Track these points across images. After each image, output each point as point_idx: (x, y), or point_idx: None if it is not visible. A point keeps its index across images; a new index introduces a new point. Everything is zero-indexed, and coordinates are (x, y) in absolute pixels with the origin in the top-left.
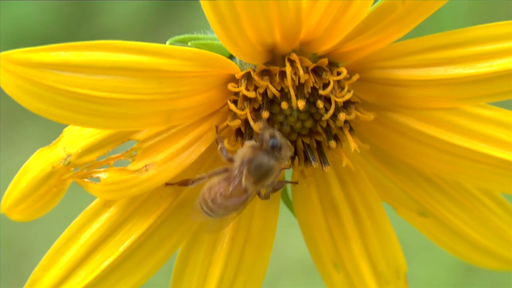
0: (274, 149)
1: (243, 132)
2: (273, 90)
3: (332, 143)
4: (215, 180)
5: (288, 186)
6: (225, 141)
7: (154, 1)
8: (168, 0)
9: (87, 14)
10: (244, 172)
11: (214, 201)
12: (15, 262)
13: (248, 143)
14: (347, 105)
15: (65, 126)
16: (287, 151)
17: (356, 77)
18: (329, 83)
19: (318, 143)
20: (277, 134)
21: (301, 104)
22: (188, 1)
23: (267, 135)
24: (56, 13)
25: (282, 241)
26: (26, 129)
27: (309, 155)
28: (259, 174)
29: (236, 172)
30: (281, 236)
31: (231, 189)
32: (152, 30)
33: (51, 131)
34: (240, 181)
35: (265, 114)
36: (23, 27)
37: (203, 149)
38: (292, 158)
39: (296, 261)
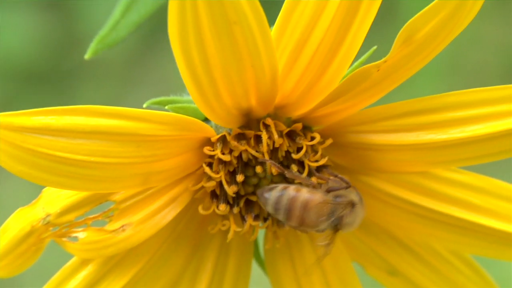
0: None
1: (218, 195)
2: (249, 155)
3: None
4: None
5: (261, 245)
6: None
7: (138, 31)
8: (153, 30)
9: (72, 46)
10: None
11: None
12: None
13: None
14: (320, 168)
15: None
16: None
17: (329, 141)
18: (303, 147)
19: None
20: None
21: (274, 169)
22: None
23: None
24: (42, 45)
25: None
26: None
27: None
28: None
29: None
30: None
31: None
32: (137, 60)
33: None
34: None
35: (240, 178)
36: (9, 59)
37: (178, 209)
38: (265, 219)
39: None
